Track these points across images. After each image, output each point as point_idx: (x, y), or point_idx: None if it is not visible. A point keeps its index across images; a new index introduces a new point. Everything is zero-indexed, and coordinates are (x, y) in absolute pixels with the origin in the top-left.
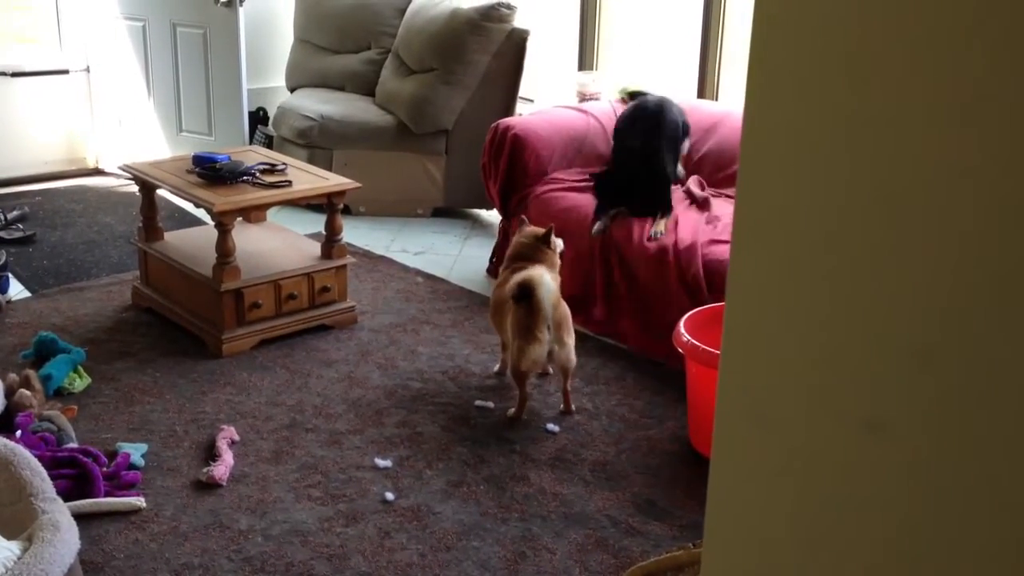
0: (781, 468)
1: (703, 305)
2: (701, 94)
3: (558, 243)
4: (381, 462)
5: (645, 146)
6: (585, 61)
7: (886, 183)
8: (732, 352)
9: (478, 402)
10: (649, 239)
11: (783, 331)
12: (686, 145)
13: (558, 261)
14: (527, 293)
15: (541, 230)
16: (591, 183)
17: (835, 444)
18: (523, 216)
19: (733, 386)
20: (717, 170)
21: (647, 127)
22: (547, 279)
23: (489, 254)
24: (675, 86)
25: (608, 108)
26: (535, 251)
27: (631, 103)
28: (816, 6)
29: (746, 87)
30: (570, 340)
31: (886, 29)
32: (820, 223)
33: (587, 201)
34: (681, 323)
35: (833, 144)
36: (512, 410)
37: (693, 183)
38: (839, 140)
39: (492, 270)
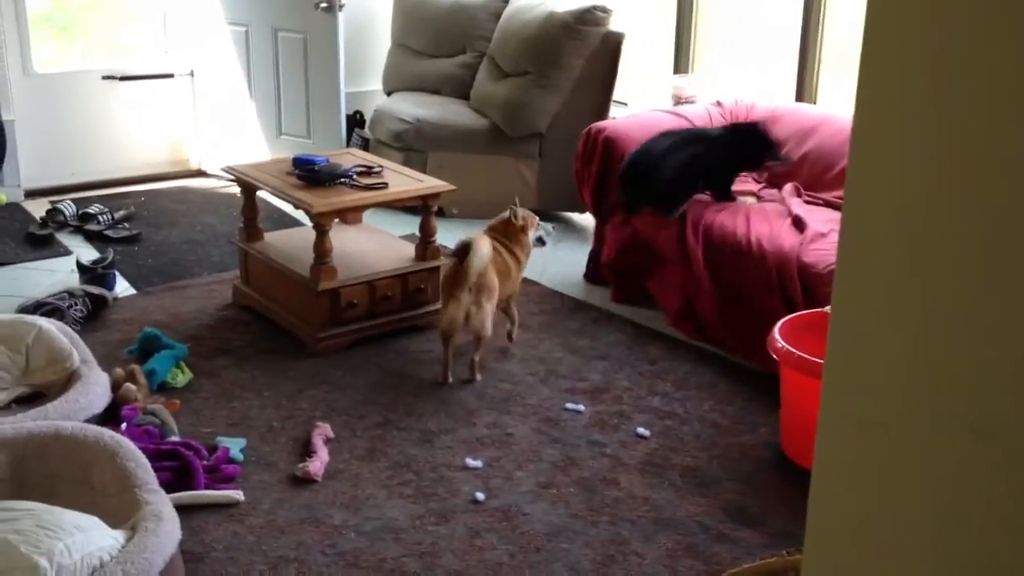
0: (886, 475)
1: (797, 312)
2: (800, 98)
3: (530, 220)
4: (472, 462)
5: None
6: (681, 64)
7: (999, 189)
8: (838, 357)
9: (568, 404)
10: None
11: (890, 337)
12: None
13: (524, 238)
14: (464, 252)
15: (514, 213)
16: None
17: (942, 451)
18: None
19: (838, 392)
20: (815, 174)
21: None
22: (483, 246)
23: (583, 258)
24: (773, 89)
25: (703, 111)
26: (506, 224)
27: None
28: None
29: (856, 95)
30: (487, 306)
31: (1001, 36)
32: (929, 229)
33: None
34: (776, 329)
35: (943, 150)
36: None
37: (789, 190)
38: (949, 147)
39: (589, 275)
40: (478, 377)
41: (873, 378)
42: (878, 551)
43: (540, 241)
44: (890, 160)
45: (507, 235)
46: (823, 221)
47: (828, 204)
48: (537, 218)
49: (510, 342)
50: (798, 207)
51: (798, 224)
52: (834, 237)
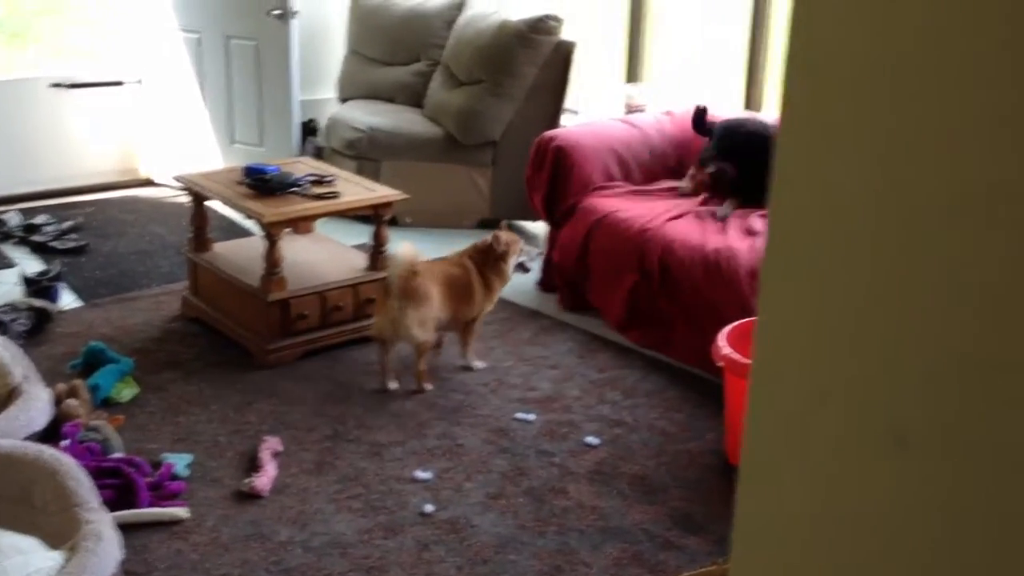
0: (805, 482)
1: (751, 317)
2: (748, 106)
3: (513, 247)
4: (421, 474)
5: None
6: (632, 73)
7: (924, 198)
8: (762, 364)
9: (519, 414)
10: (716, 217)
11: (813, 344)
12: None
13: (503, 266)
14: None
15: (497, 239)
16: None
17: (863, 458)
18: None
19: (761, 397)
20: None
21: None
22: (401, 254)
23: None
24: (722, 98)
25: (654, 120)
26: (486, 249)
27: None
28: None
29: (781, 99)
30: (413, 314)
31: (928, 42)
32: (852, 237)
33: (634, 210)
34: (721, 335)
35: (870, 158)
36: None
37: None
38: (876, 155)
39: (542, 283)
40: (426, 387)
41: (794, 384)
42: (801, 559)
43: (522, 267)
44: (815, 166)
45: (485, 260)
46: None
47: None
48: (521, 242)
49: (464, 360)
50: (752, 218)
51: (751, 233)
52: None
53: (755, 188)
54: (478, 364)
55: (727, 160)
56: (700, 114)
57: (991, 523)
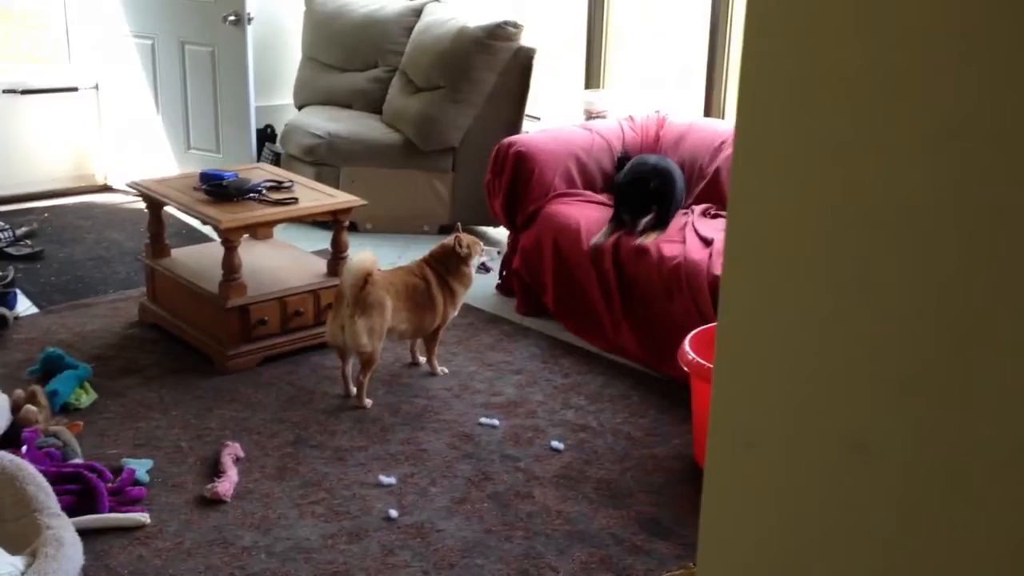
0: (768, 489)
1: (710, 324)
2: (708, 112)
3: (474, 248)
4: (385, 479)
5: (658, 165)
6: (592, 79)
7: (875, 208)
8: (722, 372)
9: (483, 419)
10: (635, 244)
11: (772, 352)
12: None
13: (466, 269)
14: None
15: (459, 241)
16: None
17: (823, 465)
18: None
19: (723, 406)
20: (726, 189)
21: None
22: (356, 261)
23: (495, 269)
24: (682, 105)
25: (615, 126)
26: (447, 254)
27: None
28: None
29: (737, 109)
30: (362, 323)
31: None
32: (809, 246)
33: (595, 216)
34: (686, 341)
35: (824, 167)
36: None
37: (698, 211)
38: (829, 163)
39: (501, 287)
40: (367, 403)
41: (755, 393)
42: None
43: (483, 267)
44: (771, 175)
45: (446, 265)
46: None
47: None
48: (481, 244)
49: (429, 367)
50: (703, 226)
51: (705, 241)
52: None
53: (656, 213)
54: (442, 370)
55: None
56: (622, 160)
57: (951, 526)
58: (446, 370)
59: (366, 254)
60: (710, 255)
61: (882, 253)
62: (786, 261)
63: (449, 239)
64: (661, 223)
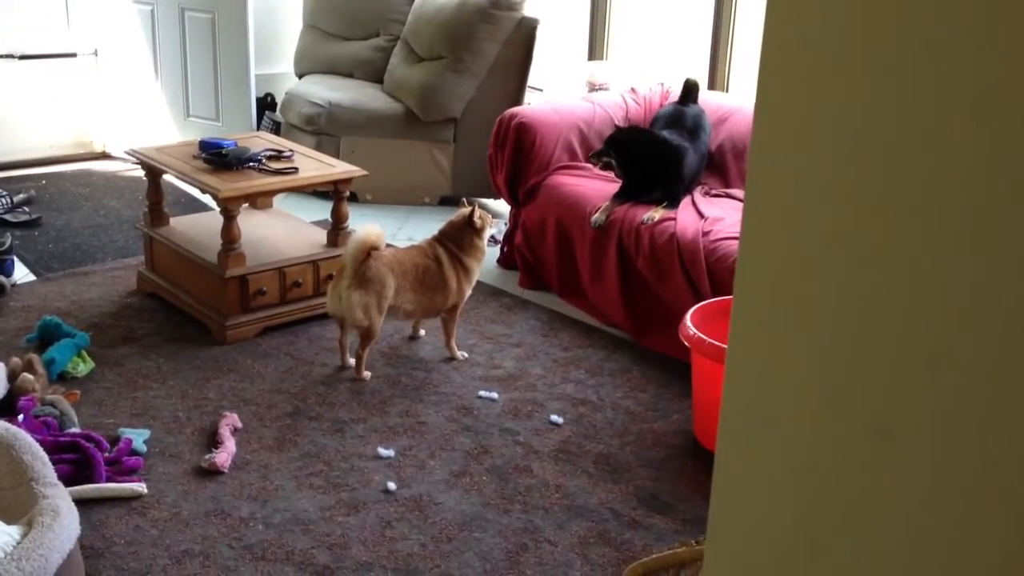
0: (785, 469)
1: (705, 300)
2: (712, 86)
3: (487, 219)
4: (384, 451)
5: (671, 140)
6: (595, 51)
7: (897, 184)
8: (738, 350)
9: (482, 392)
10: (642, 223)
11: (791, 330)
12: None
13: (480, 243)
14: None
15: (473, 212)
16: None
17: (841, 446)
18: (469, 199)
19: (739, 384)
20: (728, 164)
21: (684, 127)
22: (359, 236)
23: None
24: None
25: (618, 98)
26: (460, 229)
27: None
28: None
29: (757, 86)
30: (358, 297)
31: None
32: (830, 222)
33: (599, 190)
34: (688, 316)
35: (844, 142)
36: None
37: (698, 192)
38: (850, 138)
39: (503, 260)
40: (365, 375)
41: (773, 372)
42: (780, 549)
43: (492, 240)
44: (791, 151)
45: (460, 242)
46: (723, 209)
47: (734, 199)
48: (490, 216)
49: (448, 351)
50: (703, 204)
51: (702, 216)
52: (731, 220)
53: (643, 187)
54: (462, 355)
55: (619, 160)
56: (691, 88)
57: (975, 512)
58: (466, 355)
59: (372, 228)
60: (702, 230)
61: (905, 229)
62: (805, 232)
63: (461, 212)
64: (671, 200)
